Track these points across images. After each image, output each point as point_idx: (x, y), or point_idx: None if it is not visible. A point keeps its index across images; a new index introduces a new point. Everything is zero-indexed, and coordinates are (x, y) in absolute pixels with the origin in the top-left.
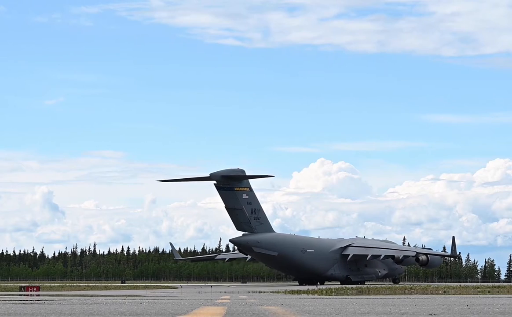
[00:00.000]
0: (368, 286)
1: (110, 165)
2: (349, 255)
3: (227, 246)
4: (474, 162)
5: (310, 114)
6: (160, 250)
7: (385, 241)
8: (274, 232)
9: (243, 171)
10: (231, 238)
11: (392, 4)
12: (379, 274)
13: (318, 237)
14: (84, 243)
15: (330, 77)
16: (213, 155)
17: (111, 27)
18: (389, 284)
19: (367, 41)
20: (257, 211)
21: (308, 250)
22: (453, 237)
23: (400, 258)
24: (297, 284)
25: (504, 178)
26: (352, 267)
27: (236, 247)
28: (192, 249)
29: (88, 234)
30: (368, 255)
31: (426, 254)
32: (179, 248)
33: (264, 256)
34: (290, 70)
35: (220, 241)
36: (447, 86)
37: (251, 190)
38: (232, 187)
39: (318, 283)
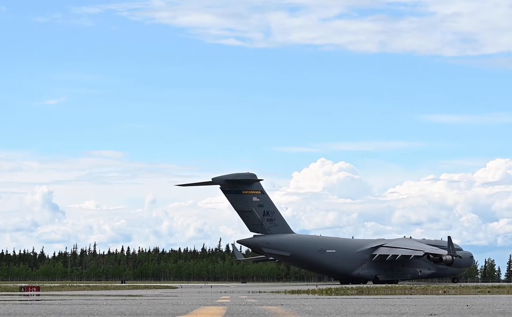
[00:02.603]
0: (369, 286)
1: (110, 165)
2: (375, 255)
3: (227, 246)
4: (474, 162)
5: (311, 114)
6: (160, 250)
7: (438, 241)
8: (293, 233)
9: (253, 175)
10: (239, 239)
11: (393, 4)
12: (419, 273)
13: (351, 237)
14: (84, 243)
15: (331, 77)
16: (213, 155)
17: (112, 28)
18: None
19: (368, 41)
20: (271, 213)
21: (327, 250)
22: (449, 237)
23: (411, 258)
24: (339, 283)
25: (505, 178)
26: (385, 266)
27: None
28: (192, 249)
29: (88, 234)
30: (388, 255)
31: (451, 255)
32: (179, 248)
33: (277, 257)
34: (291, 70)
35: (220, 241)
36: (448, 86)
37: (263, 193)
38: (240, 190)
39: (317, 285)
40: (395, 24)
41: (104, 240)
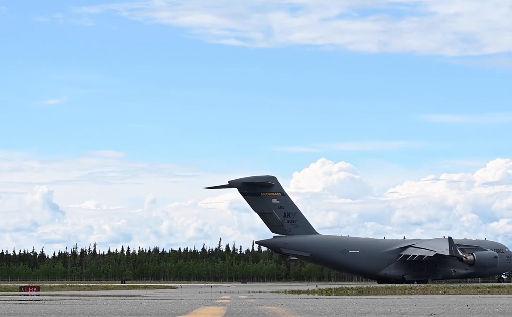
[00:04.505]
0: (369, 286)
1: (110, 165)
2: (401, 255)
3: (227, 246)
4: (474, 162)
5: (311, 114)
6: (160, 250)
7: (480, 241)
8: (316, 233)
9: (273, 178)
10: (257, 240)
11: (393, 4)
12: (453, 273)
13: (383, 238)
14: (84, 243)
15: (331, 77)
16: (214, 155)
17: (112, 28)
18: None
19: (369, 41)
20: (292, 214)
21: (350, 251)
22: (450, 238)
23: (424, 258)
24: (376, 282)
25: (505, 177)
26: (414, 266)
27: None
28: (192, 249)
29: (88, 234)
30: (410, 255)
31: (472, 254)
32: (179, 248)
33: (297, 257)
34: (292, 70)
35: (220, 241)
36: (448, 86)
37: (283, 194)
38: (258, 192)
39: (317, 285)
40: (395, 24)
41: (104, 240)
